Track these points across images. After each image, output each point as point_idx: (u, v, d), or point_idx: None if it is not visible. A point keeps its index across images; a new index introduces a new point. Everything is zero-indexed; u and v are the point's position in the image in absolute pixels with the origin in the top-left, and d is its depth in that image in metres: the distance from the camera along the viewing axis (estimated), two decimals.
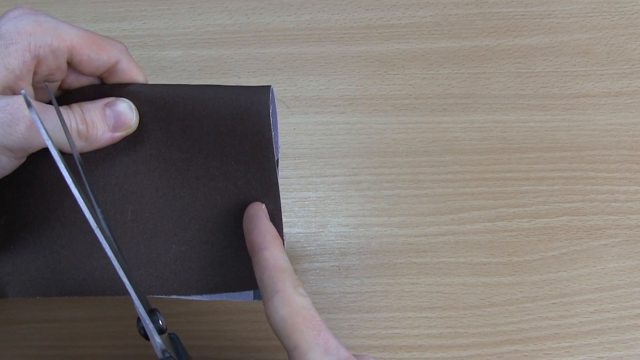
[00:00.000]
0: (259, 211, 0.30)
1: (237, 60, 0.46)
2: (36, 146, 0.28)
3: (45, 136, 0.24)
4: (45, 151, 0.28)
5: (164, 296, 0.32)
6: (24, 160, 0.29)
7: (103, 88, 0.31)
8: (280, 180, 0.43)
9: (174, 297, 0.32)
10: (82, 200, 0.25)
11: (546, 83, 0.45)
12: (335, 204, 0.43)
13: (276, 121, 0.33)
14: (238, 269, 0.32)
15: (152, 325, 0.26)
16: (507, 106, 0.45)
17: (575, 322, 0.41)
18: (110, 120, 0.29)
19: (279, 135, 0.33)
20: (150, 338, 0.27)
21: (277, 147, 0.32)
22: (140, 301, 0.26)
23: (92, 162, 0.31)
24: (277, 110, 0.45)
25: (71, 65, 0.29)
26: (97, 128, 0.29)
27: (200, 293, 0.32)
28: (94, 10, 0.46)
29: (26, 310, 0.41)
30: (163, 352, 0.26)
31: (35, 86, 0.29)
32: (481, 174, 0.43)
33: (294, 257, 0.42)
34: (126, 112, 0.30)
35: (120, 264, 0.26)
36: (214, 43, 0.46)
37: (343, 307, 0.41)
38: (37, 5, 0.47)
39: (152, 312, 0.27)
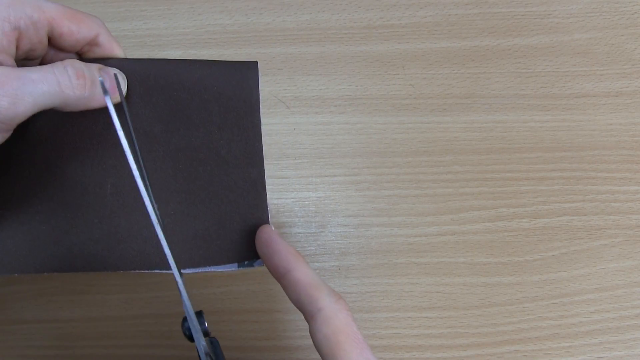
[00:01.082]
0: (271, 234, 0.30)
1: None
2: (22, 115, 0.26)
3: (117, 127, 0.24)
4: (23, 126, 0.28)
5: (146, 271, 0.31)
6: (8, 134, 0.28)
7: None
8: (280, 180, 0.43)
9: (156, 271, 0.31)
10: (137, 170, 0.25)
11: (546, 83, 0.45)
12: (335, 204, 0.43)
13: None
14: (222, 242, 0.31)
15: (199, 327, 0.26)
16: (507, 106, 0.45)
17: (575, 322, 0.41)
18: (105, 83, 0.29)
19: (263, 118, 0.33)
20: (195, 340, 0.26)
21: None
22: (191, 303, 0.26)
23: (71, 135, 0.30)
24: (277, 111, 0.45)
25: (51, 39, 0.29)
26: (96, 84, 0.28)
27: (183, 267, 0.31)
28: (94, 10, 0.46)
29: (26, 310, 0.41)
30: (207, 354, 0.26)
31: (18, 63, 0.29)
32: (481, 174, 0.43)
33: None
34: (118, 77, 0.29)
35: (172, 257, 0.26)
36: (214, 43, 0.46)
37: None
38: None
39: (199, 314, 0.27)
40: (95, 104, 0.28)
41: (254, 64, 0.31)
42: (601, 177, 0.44)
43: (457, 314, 0.41)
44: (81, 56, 0.31)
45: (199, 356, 0.26)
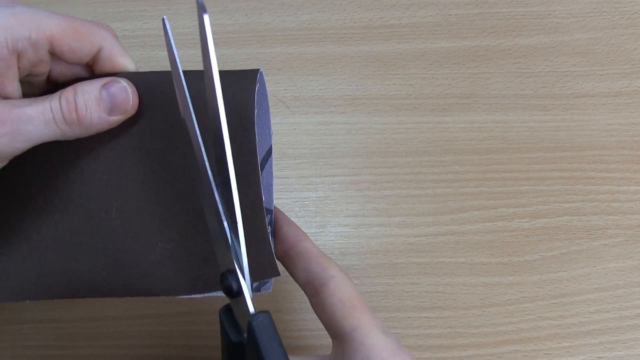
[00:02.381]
0: (278, 212, 0.31)
1: (237, 60, 0.46)
2: (19, 150, 0.26)
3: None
4: (26, 152, 0.27)
5: (152, 296, 0.31)
6: (5, 164, 0.28)
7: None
8: (280, 180, 0.43)
9: (162, 295, 0.31)
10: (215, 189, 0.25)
11: (546, 83, 0.45)
12: (335, 204, 0.43)
13: (267, 105, 0.32)
14: None
15: (249, 280, 0.25)
16: (507, 106, 0.45)
17: (575, 322, 0.41)
18: (106, 103, 0.28)
19: (271, 121, 0.32)
20: (243, 293, 0.25)
21: (269, 133, 0.30)
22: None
23: (75, 157, 0.30)
24: (277, 111, 0.45)
25: (54, 55, 0.28)
26: (91, 113, 0.27)
27: (189, 293, 0.30)
28: (94, 10, 0.46)
29: (26, 310, 0.41)
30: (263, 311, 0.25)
31: (22, 80, 0.28)
32: (481, 174, 0.43)
33: None
34: (123, 94, 0.28)
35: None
36: (214, 43, 0.46)
37: None
38: (37, 4, 0.46)
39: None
40: (94, 129, 0.28)
41: (252, 74, 0.29)
42: (601, 177, 0.44)
43: (457, 314, 0.41)
44: (90, 69, 0.30)
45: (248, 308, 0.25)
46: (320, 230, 0.43)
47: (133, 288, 0.30)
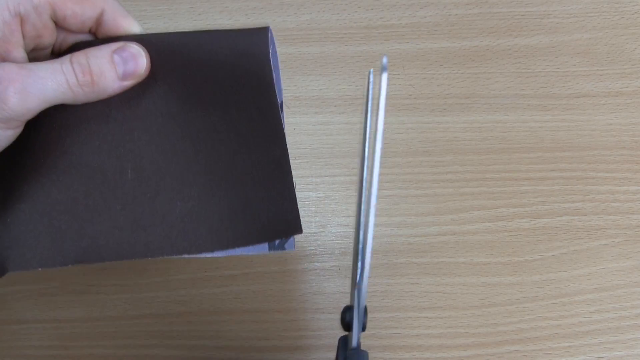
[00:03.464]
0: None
1: None
2: (32, 111, 0.26)
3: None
4: (34, 119, 0.27)
5: (174, 256, 0.30)
6: (20, 130, 0.27)
7: (95, 43, 0.29)
8: None
9: (185, 256, 0.30)
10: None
11: (546, 83, 0.45)
12: (335, 204, 0.43)
13: (277, 63, 0.31)
14: (249, 222, 0.30)
15: (363, 318, 0.27)
16: (507, 106, 0.45)
17: (575, 322, 0.41)
18: (119, 67, 0.27)
19: (281, 78, 0.32)
20: (353, 329, 0.27)
21: (279, 90, 0.30)
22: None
23: (85, 121, 0.29)
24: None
25: (57, 22, 0.28)
26: (105, 77, 0.27)
27: (211, 250, 0.30)
28: None
29: (26, 310, 0.41)
30: (359, 345, 0.26)
31: (28, 56, 0.28)
32: (481, 174, 0.43)
33: (294, 257, 0.42)
34: (136, 57, 0.28)
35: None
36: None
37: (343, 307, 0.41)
38: None
39: (365, 309, 0.27)
40: (107, 94, 0.28)
41: (263, 31, 0.28)
42: (601, 177, 0.44)
43: (457, 314, 0.41)
44: (94, 36, 0.30)
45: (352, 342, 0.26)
46: (320, 230, 0.43)
47: (153, 248, 0.30)
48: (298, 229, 0.30)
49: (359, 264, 0.26)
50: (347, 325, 0.27)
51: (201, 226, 0.30)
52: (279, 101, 0.30)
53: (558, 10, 0.47)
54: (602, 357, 0.40)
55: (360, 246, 0.26)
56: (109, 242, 0.30)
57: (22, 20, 0.26)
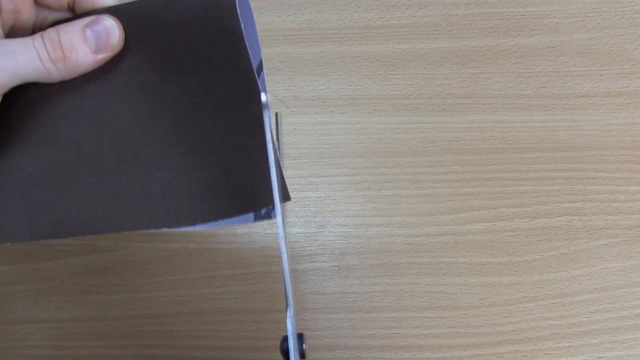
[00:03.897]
0: None
1: None
2: (2, 86, 0.25)
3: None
4: (6, 94, 0.26)
5: (152, 229, 0.29)
6: None
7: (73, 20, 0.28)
8: None
9: (165, 230, 0.29)
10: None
11: (546, 83, 0.45)
12: (335, 204, 0.43)
13: (252, 18, 0.30)
14: (233, 190, 0.28)
15: (297, 346, 0.26)
16: (507, 106, 0.45)
17: (575, 322, 0.41)
18: (91, 42, 0.27)
19: (258, 33, 0.30)
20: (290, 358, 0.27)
21: (258, 47, 0.29)
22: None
23: (61, 93, 0.29)
24: (278, 111, 0.45)
25: None
26: (77, 51, 0.26)
27: (194, 223, 0.28)
28: None
29: (26, 310, 0.41)
30: None
31: (9, 29, 0.28)
32: (481, 174, 0.43)
33: (294, 257, 0.42)
34: (109, 30, 0.27)
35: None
36: None
37: (343, 307, 0.41)
38: None
39: (299, 336, 0.27)
40: (81, 69, 0.27)
41: None
42: (601, 177, 0.44)
43: (457, 314, 0.41)
44: (74, 11, 0.29)
45: None
46: (320, 230, 0.43)
47: (130, 221, 0.28)
48: (286, 197, 0.28)
49: (286, 292, 0.26)
50: (285, 354, 0.27)
51: (181, 198, 0.28)
52: (258, 59, 0.28)
53: (558, 10, 0.47)
54: (602, 357, 0.40)
55: (286, 276, 0.26)
56: (82, 215, 0.28)
57: None
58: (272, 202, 0.28)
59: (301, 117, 0.45)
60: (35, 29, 0.29)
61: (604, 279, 0.42)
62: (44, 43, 0.26)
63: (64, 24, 0.27)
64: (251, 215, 0.29)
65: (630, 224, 0.43)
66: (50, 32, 0.26)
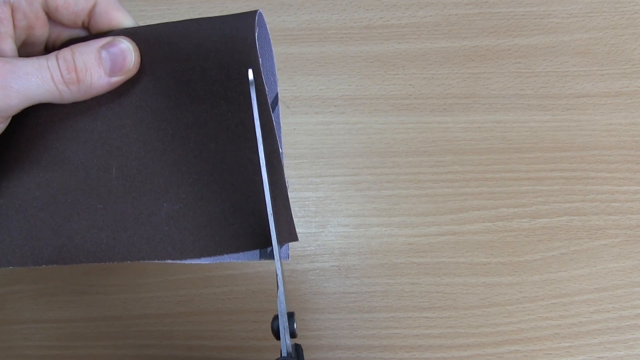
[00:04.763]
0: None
1: None
2: (14, 107, 0.25)
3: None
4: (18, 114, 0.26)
5: (157, 261, 0.28)
6: (4, 125, 0.26)
7: (88, 39, 0.28)
8: None
9: (169, 261, 0.28)
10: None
11: (546, 83, 0.45)
12: (335, 204, 0.43)
13: (271, 51, 0.29)
14: (240, 226, 0.28)
15: (287, 325, 0.26)
16: (507, 106, 0.45)
17: (575, 322, 0.41)
18: (106, 64, 0.26)
19: (276, 67, 0.30)
20: (281, 337, 0.26)
21: (274, 80, 0.29)
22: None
23: (72, 115, 0.28)
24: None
25: (49, 14, 0.27)
26: (91, 73, 0.26)
27: (198, 256, 0.28)
28: None
29: (26, 310, 0.41)
30: (289, 354, 0.26)
31: (20, 52, 0.27)
32: (481, 174, 0.43)
33: (294, 257, 0.42)
34: (125, 53, 0.26)
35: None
36: None
37: (343, 307, 0.41)
38: None
39: (290, 315, 0.26)
40: (95, 91, 0.27)
41: (250, 15, 0.26)
42: (601, 177, 0.44)
43: (457, 314, 0.41)
44: (88, 31, 0.29)
45: (281, 352, 0.26)
46: (320, 230, 0.43)
47: (134, 251, 0.28)
48: (293, 236, 0.28)
49: (277, 272, 0.26)
50: (276, 333, 0.27)
51: (188, 230, 0.28)
52: (274, 92, 0.28)
53: (558, 10, 0.47)
54: (602, 357, 0.40)
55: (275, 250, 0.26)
56: (86, 242, 0.28)
57: (12, 9, 0.26)
58: (279, 241, 0.27)
59: (301, 117, 0.45)
60: (48, 45, 0.29)
61: (604, 279, 0.42)
62: (58, 64, 0.26)
63: (79, 44, 0.26)
64: (257, 252, 0.29)
65: (630, 224, 0.43)
66: (65, 53, 0.26)
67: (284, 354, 0.26)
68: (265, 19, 0.30)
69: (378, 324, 0.41)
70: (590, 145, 0.44)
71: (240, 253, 0.28)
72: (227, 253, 0.28)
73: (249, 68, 0.26)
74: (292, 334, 0.26)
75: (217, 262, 0.28)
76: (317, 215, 0.43)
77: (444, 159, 0.44)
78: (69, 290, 0.42)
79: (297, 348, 0.27)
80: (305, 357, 0.28)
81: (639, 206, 0.43)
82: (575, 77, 0.45)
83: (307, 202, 0.43)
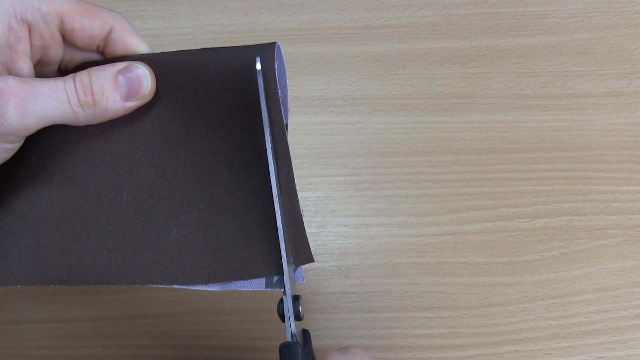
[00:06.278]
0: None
1: None
2: (30, 127, 0.25)
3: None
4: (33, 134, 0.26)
5: (164, 286, 0.28)
6: (19, 144, 0.27)
7: (103, 63, 0.28)
8: None
9: (176, 287, 0.28)
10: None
11: (546, 83, 0.45)
12: (335, 204, 0.43)
13: (285, 82, 0.30)
14: (249, 254, 0.28)
15: (292, 307, 0.26)
16: (507, 106, 0.45)
17: (575, 322, 0.41)
18: (122, 88, 0.27)
19: (288, 97, 0.30)
20: (285, 320, 0.26)
21: (286, 111, 0.29)
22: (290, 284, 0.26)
23: (85, 137, 0.28)
24: None
25: (65, 36, 0.27)
26: (107, 97, 0.26)
27: (206, 282, 0.28)
28: None
29: (26, 310, 0.41)
30: (292, 336, 0.26)
31: (36, 62, 0.27)
32: (481, 174, 0.43)
33: None
34: (141, 78, 0.27)
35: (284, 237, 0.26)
36: (214, 43, 0.46)
37: (343, 307, 0.41)
38: None
39: (295, 298, 0.26)
40: (110, 115, 0.27)
41: (269, 47, 0.27)
42: (601, 177, 0.44)
43: (457, 314, 0.41)
44: (102, 55, 0.29)
45: (286, 335, 0.26)
46: (320, 230, 0.43)
47: (144, 275, 0.28)
48: (309, 257, 0.28)
49: (281, 247, 0.26)
50: (281, 316, 0.26)
51: (196, 255, 0.28)
52: (285, 122, 0.28)
53: (558, 10, 0.47)
54: (602, 357, 0.40)
55: (280, 229, 0.26)
56: (95, 264, 0.28)
57: (29, 28, 0.26)
58: (295, 264, 0.28)
59: (301, 117, 0.45)
60: (62, 66, 0.29)
61: (604, 279, 0.42)
62: (75, 86, 0.26)
63: (96, 67, 0.27)
64: (262, 281, 0.29)
65: (630, 224, 0.43)
66: (83, 76, 0.26)
67: (288, 339, 0.26)
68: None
69: (378, 324, 0.41)
70: (590, 145, 0.44)
71: (247, 281, 0.29)
72: (235, 280, 0.28)
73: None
74: (297, 317, 0.26)
75: (224, 289, 0.29)
76: (317, 215, 0.43)
77: (444, 159, 0.44)
78: (69, 290, 0.42)
79: (305, 333, 0.27)
80: (301, 319, 0.27)
81: (639, 206, 0.43)
82: (575, 77, 0.45)
83: (307, 202, 0.43)
